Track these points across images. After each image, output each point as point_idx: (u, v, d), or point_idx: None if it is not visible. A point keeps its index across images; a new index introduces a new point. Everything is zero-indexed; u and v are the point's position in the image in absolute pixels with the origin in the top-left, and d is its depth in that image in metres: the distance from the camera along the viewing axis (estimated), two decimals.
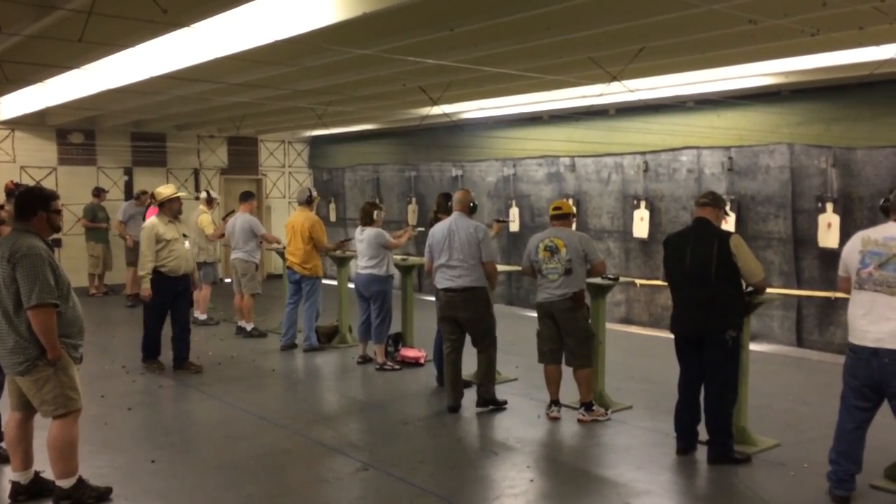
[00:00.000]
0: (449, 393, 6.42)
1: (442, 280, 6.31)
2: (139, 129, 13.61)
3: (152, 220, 7.58)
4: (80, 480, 4.40)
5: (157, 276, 7.39)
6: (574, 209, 6.98)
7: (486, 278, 6.25)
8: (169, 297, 7.52)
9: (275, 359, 8.40)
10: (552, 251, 5.99)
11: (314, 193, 8.96)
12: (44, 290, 4.13)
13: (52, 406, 4.27)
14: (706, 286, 5.01)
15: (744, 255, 4.99)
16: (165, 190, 7.77)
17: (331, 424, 6.16)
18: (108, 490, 4.50)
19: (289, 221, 8.84)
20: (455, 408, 6.36)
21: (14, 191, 10.20)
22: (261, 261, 10.10)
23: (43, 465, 4.52)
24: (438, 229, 6.39)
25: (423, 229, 7.43)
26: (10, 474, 4.50)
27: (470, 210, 6.41)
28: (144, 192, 12.09)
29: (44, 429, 4.40)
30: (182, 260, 7.54)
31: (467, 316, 6.27)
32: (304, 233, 8.53)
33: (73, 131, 13.19)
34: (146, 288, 7.39)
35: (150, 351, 7.80)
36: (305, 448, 5.59)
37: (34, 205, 4.35)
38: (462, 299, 6.22)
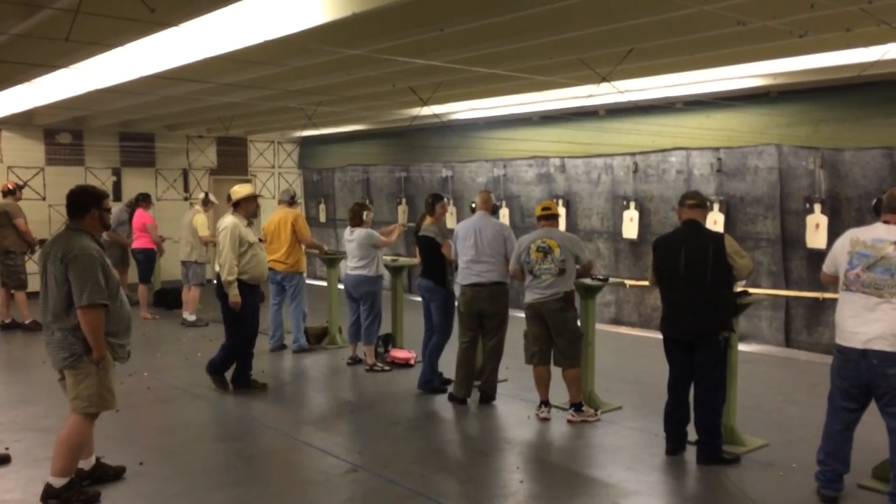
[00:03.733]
0: (460, 385, 6.61)
1: (469, 276, 6.49)
2: (127, 130, 13.54)
3: (231, 219, 6.81)
4: (73, 482, 4.42)
5: (239, 285, 6.71)
6: (560, 210, 7.12)
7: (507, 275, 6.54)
8: (252, 308, 6.90)
9: (264, 360, 8.35)
10: (545, 252, 6.00)
11: (297, 198, 9.02)
12: (94, 290, 4.22)
13: (85, 402, 4.37)
14: (701, 288, 5.01)
15: (739, 255, 5.02)
16: (242, 189, 7.07)
17: (320, 426, 6.14)
18: (97, 494, 4.49)
19: (269, 221, 8.80)
20: (464, 400, 6.56)
21: (13, 190, 10.15)
22: None
23: (101, 450, 4.75)
24: (463, 227, 6.60)
25: (412, 224, 7.66)
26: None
27: (493, 209, 6.81)
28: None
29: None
30: (263, 266, 6.99)
31: (492, 310, 6.49)
32: (286, 227, 8.51)
33: (60, 131, 13.11)
34: (235, 294, 6.65)
35: (248, 373, 7.08)
36: (294, 449, 5.57)
37: (88, 204, 4.45)
38: (489, 293, 6.45)
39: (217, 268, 6.87)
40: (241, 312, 6.78)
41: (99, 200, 4.49)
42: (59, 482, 4.34)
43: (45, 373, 7.66)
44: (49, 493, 4.34)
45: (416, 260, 7.57)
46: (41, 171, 12.99)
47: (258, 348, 8.77)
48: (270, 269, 8.72)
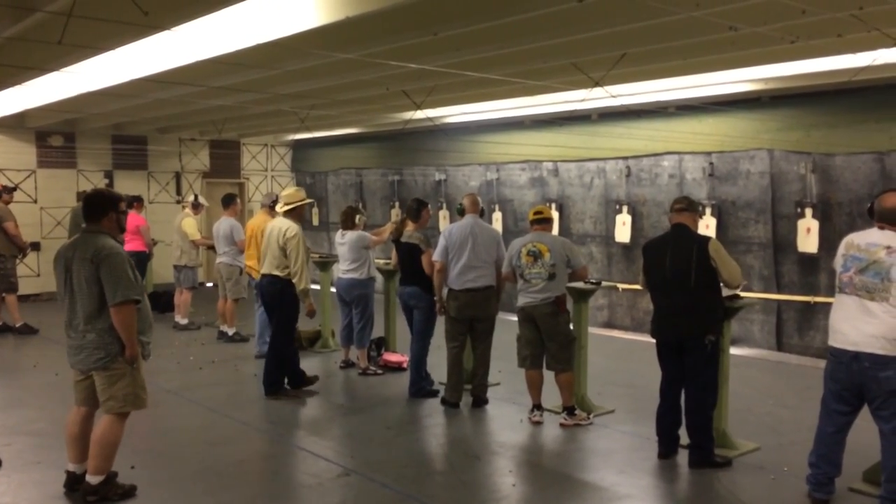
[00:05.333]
0: (452, 389, 6.60)
1: (463, 281, 6.44)
2: (120, 132, 13.48)
3: (295, 225, 6.76)
4: (109, 477, 4.51)
5: (293, 290, 6.72)
6: (553, 214, 7.03)
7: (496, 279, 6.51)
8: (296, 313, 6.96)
9: (256, 364, 8.33)
10: (535, 256, 6.01)
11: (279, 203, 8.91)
12: (128, 287, 4.30)
13: (120, 402, 4.43)
14: (686, 292, 5.03)
15: (723, 260, 5.02)
16: (297, 194, 7.01)
17: (312, 429, 6.13)
18: (133, 487, 4.61)
19: (247, 226, 8.70)
20: (455, 404, 6.54)
21: (1, 193, 10.08)
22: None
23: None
24: (457, 230, 6.50)
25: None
26: (67, 465, 4.62)
27: (481, 212, 6.73)
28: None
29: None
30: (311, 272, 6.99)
31: (484, 314, 6.50)
32: (258, 236, 8.41)
33: (52, 134, 13.05)
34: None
35: (301, 373, 7.15)
36: (286, 453, 5.56)
37: (105, 206, 4.51)
38: (483, 298, 6.46)
39: (273, 270, 6.77)
40: (293, 316, 6.84)
41: (115, 203, 4.56)
42: (95, 479, 4.45)
43: (37, 377, 7.67)
44: (88, 490, 4.45)
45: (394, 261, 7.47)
46: (33, 174, 12.91)
47: (251, 351, 8.80)
48: (250, 275, 8.62)
